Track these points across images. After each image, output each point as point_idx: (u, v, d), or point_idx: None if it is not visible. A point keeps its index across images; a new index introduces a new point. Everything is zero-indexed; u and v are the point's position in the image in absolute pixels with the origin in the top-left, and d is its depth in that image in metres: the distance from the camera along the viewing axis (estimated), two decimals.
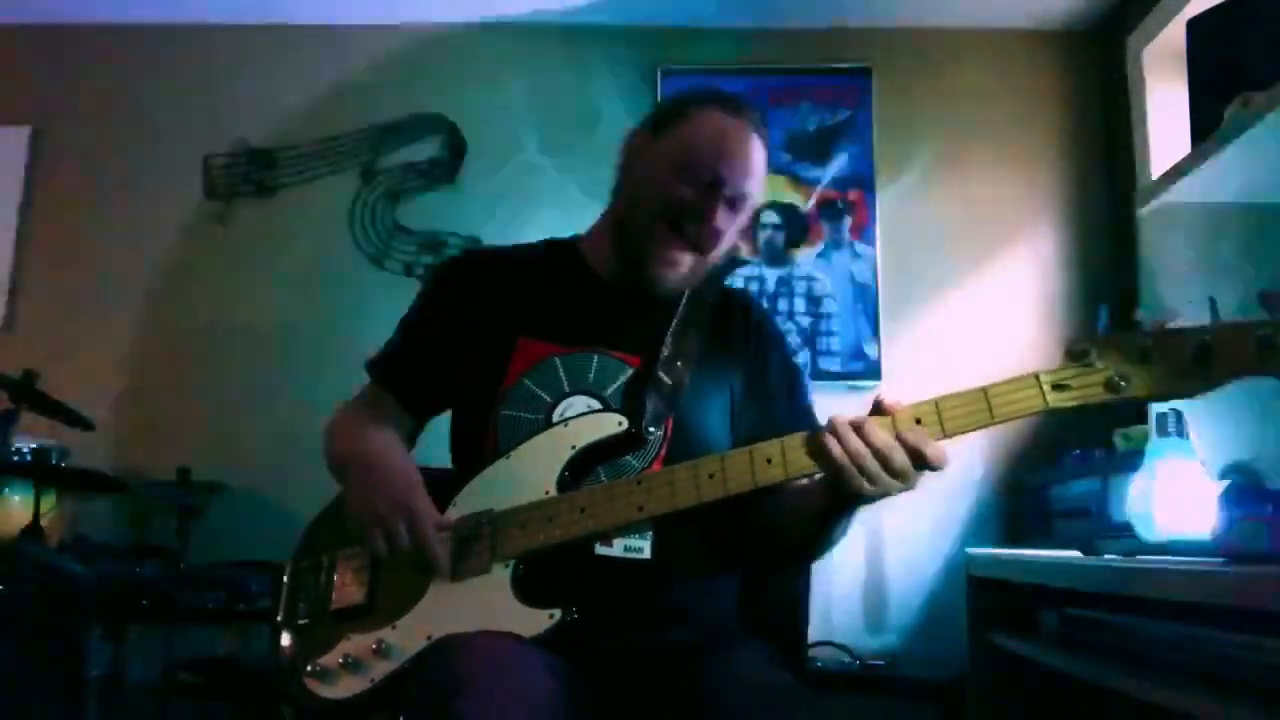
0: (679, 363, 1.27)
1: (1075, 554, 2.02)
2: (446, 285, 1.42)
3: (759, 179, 1.30)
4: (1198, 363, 0.98)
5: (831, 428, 1.06)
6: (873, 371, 2.87)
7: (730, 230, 1.30)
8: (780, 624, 1.40)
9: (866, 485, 1.04)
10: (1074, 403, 1.03)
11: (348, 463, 1.26)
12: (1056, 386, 1.03)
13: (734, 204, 1.28)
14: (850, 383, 2.86)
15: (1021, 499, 2.64)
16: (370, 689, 1.11)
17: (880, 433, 1.04)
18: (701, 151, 1.27)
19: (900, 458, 1.03)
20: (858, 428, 1.05)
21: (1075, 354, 1.04)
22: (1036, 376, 1.04)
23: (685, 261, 1.29)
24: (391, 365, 1.41)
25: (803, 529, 1.21)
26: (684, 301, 1.34)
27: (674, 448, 1.22)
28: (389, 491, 1.18)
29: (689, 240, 1.27)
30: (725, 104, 1.32)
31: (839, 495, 1.09)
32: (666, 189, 1.27)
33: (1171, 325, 1.01)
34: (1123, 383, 1.01)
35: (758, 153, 1.29)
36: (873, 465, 1.03)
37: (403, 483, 1.19)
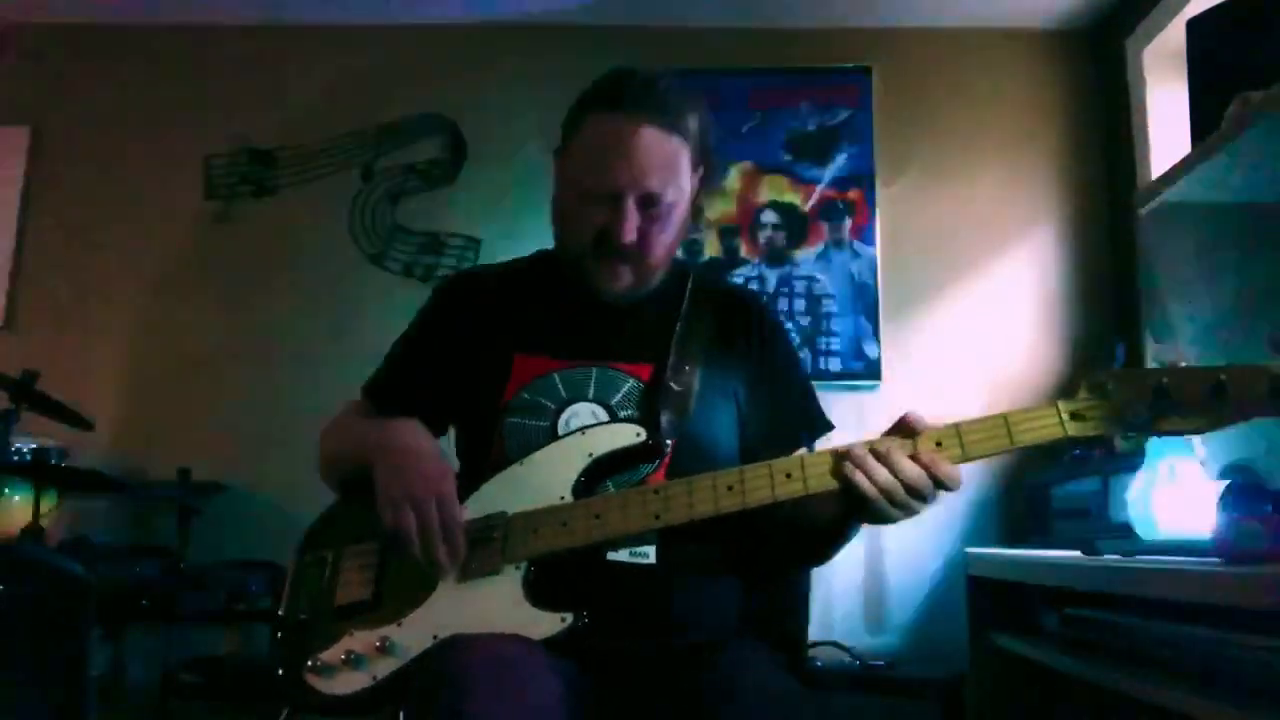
0: (686, 369, 1.27)
1: (1075, 554, 2.02)
2: (441, 309, 1.41)
3: (663, 167, 1.22)
4: (1211, 401, 1.01)
5: (856, 460, 1.06)
6: (873, 371, 2.87)
7: (657, 230, 1.25)
8: (781, 624, 1.40)
9: (896, 513, 1.05)
10: (1091, 432, 1.05)
11: (373, 446, 1.23)
12: (1075, 415, 1.05)
13: (647, 203, 1.23)
14: (850, 383, 2.86)
15: (1021, 499, 2.64)
16: (372, 686, 1.11)
17: (908, 464, 1.04)
18: (590, 170, 1.23)
19: (927, 485, 1.04)
20: (883, 458, 1.05)
21: (1093, 386, 1.06)
22: (1056, 405, 1.06)
23: (624, 274, 1.27)
24: (388, 391, 1.38)
25: (811, 537, 1.22)
26: (684, 305, 1.34)
27: (678, 455, 1.21)
28: (425, 472, 1.16)
29: (619, 258, 1.25)
30: (602, 102, 1.25)
31: (852, 510, 1.10)
32: (577, 219, 1.25)
33: (1185, 363, 1.05)
34: (1138, 417, 1.04)
35: (650, 142, 1.21)
36: (903, 496, 1.04)
37: (437, 468, 1.18)
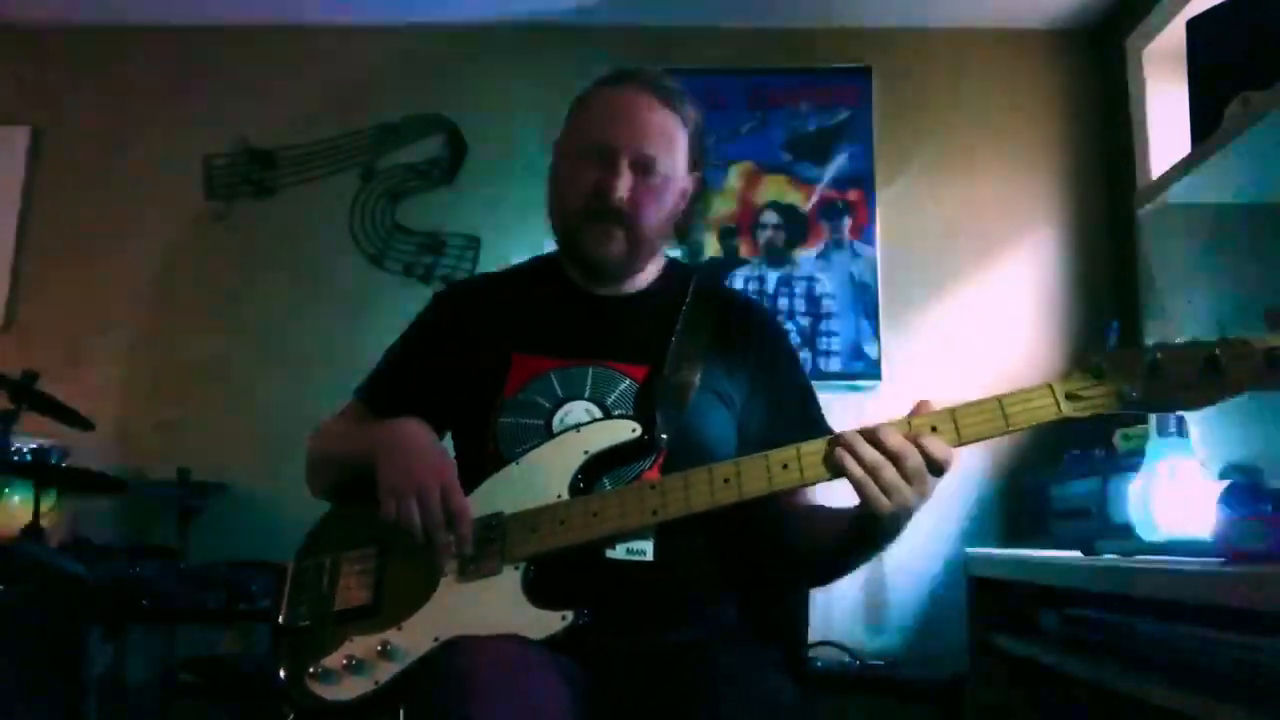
0: (684, 369, 1.27)
1: (1075, 554, 2.02)
2: (439, 312, 1.43)
3: (660, 135, 1.28)
4: (1206, 376, 1.00)
5: (844, 441, 1.05)
6: (873, 371, 2.87)
7: (650, 199, 1.28)
8: (781, 624, 1.40)
9: (885, 499, 1.02)
10: (1087, 412, 1.05)
11: (378, 442, 1.22)
12: (1070, 396, 1.05)
13: (641, 168, 1.27)
14: (850, 383, 2.86)
15: (1021, 499, 2.64)
16: (374, 691, 1.11)
17: (894, 436, 1.03)
18: (590, 129, 1.29)
19: (915, 460, 1.02)
20: (869, 435, 1.04)
21: (1087, 366, 1.05)
22: (1050, 386, 1.06)
23: (616, 236, 1.28)
24: (381, 391, 1.39)
25: (819, 554, 1.22)
26: (686, 306, 1.34)
27: (673, 455, 1.21)
28: (428, 462, 1.17)
29: (611, 218, 1.28)
30: (611, 79, 1.34)
31: (866, 529, 1.08)
32: (573, 177, 1.30)
33: (1180, 340, 1.03)
34: (1133, 394, 1.03)
35: (650, 111, 1.28)
36: (890, 474, 1.02)
37: (440, 459, 1.19)
